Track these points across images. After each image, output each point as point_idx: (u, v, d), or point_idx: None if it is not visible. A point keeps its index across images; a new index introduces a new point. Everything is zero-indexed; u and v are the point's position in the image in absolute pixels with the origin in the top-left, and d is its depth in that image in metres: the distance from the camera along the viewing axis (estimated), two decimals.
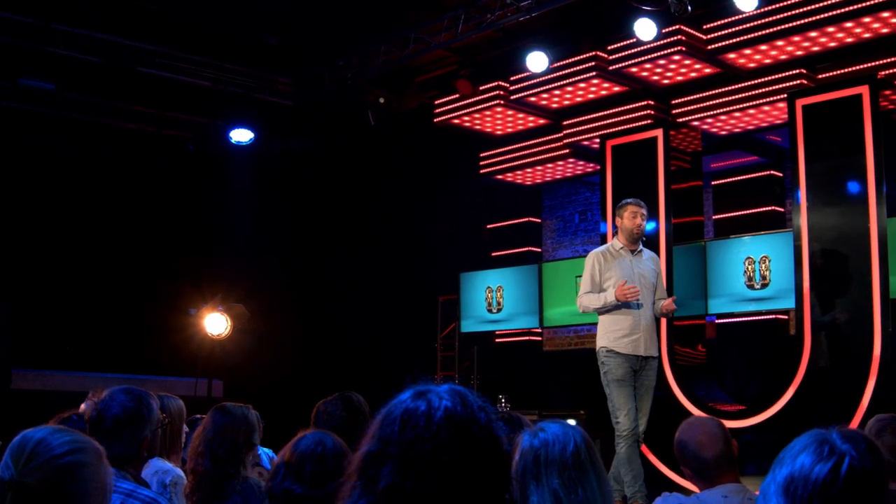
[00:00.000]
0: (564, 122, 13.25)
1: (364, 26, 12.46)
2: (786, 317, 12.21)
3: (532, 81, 12.55)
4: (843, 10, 9.97)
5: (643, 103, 12.30)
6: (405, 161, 15.30)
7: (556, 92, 12.60)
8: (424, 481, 1.91)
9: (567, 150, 13.49)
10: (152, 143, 14.32)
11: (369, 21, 12.32)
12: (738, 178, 13.16)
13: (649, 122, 12.12)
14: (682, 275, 11.31)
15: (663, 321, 8.53)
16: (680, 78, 11.90)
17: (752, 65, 11.30)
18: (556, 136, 13.51)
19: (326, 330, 15.01)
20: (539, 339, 15.14)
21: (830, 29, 10.25)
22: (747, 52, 10.97)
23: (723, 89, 11.61)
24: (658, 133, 11.56)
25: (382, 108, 13.48)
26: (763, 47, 10.81)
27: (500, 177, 14.69)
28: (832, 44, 10.60)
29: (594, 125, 12.82)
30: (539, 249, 15.74)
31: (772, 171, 12.96)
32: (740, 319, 11.95)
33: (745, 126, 12.12)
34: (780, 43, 10.68)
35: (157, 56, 12.63)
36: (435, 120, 13.71)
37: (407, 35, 12.34)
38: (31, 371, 13.10)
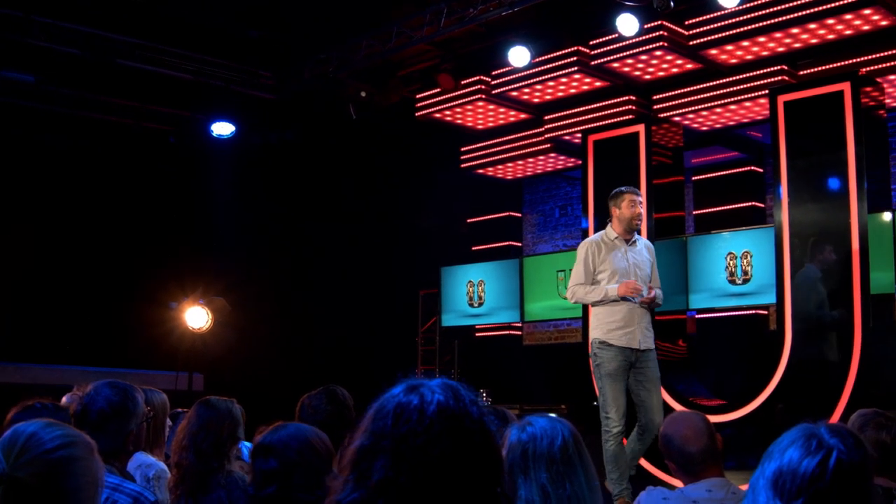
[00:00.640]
0: (546, 117, 13.28)
1: (346, 20, 12.44)
2: (765, 312, 12.27)
3: (514, 76, 12.57)
4: (824, 7, 10.00)
5: (625, 98, 12.33)
6: (386, 155, 15.29)
7: (538, 87, 12.62)
8: (417, 475, 1.91)
9: (548, 145, 13.51)
10: (133, 136, 14.26)
11: (351, 15, 12.30)
12: (719, 173, 13.21)
13: (631, 117, 12.15)
14: (663, 270, 11.25)
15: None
16: (661, 73, 11.93)
17: (733, 61, 11.33)
18: (538, 130, 13.53)
19: (307, 323, 15.00)
20: (519, 333, 15.16)
21: (812, 25, 10.29)
22: (729, 48, 11.00)
23: (704, 85, 11.65)
24: (640, 128, 11.59)
25: (364, 102, 13.46)
26: (745, 43, 10.85)
27: (481, 171, 14.71)
28: (813, 40, 10.64)
29: (575, 120, 12.84)
30: (519, 244, 15.77)
31: (752, 167, 13.02)
32: (721, 315, 12.00)
33: (726, 122, 12.17)
34: (761, 39, 10.71)
35: (137, 49, 12.59)
36: (416, 114, 13.71)
37: (389, 29, 12.34)
38: (11, 364, 13.04)
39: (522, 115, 13.65)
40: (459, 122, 13.99)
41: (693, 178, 13.37)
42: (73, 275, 13.55)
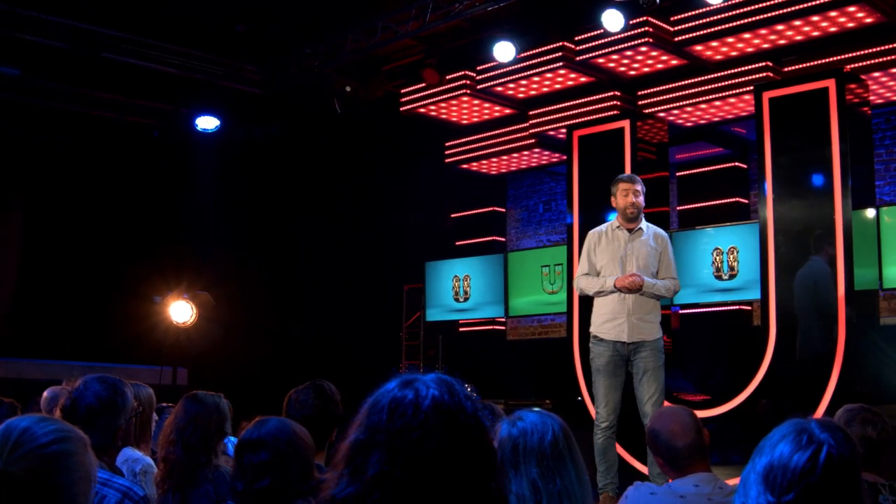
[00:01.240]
0: (530, 112, 13.28)
1: (332, 15, 12.42)
2: (749, 308, 12.32)
3: (499, 71, 12.56)
4: (809, 4, 10.03)
5: (609, 94, 12.35)
6: (371, 150, 15.29)
7: (523, 82, 12.62)
8: (412, 469, 1.92)
9: (533, 140, 13.51)
10: (117, 130, 14.21)
11: (337, 10, 12.29)
12: (703, 169, 13.24)
13: (615, 112, 12.16)
14: None
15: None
16: (646, 69, 11.95)
17: (718, 57, 11.36)
18: (522, 125, 13.53)
19: (292, 318, 15.00)
20: (503, 328, 15.18)
21: (797, 22, 10.32)
22: (714, 44, 11.02)
23: (689, 81, 11.67)
24: (625, 124, 11.59)
25: (349, 97, 13.44)
26: (730, 40, 10.87)
27: (465, 166, 14.71)
28: (798, 37, 10.68)
29: (560, 115, 12.85)
30: (503, 239, 15.77)
31: (736, 163, 13.06)
32: (704, 310, 12.04)
33: (710, 118, 12.19)
34: (746, 36, 10.74)
35: (123, 42, 12.55)
36: (401, 109, 13.69)
37: (375, 24, 12.33)
38: None
39: (507, 111, 13.66)
40: (444, 117, 13.99)
41: (677, 174, 13.40)
42: (57, 269, 13.51)
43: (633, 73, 12.06)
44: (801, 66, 10.92)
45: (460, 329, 15.06)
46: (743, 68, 11.21)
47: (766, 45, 10.94)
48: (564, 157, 13.04)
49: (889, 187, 11.89)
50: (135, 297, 13.15)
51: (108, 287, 13.32)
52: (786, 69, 11.04)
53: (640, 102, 12.12)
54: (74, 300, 13.39)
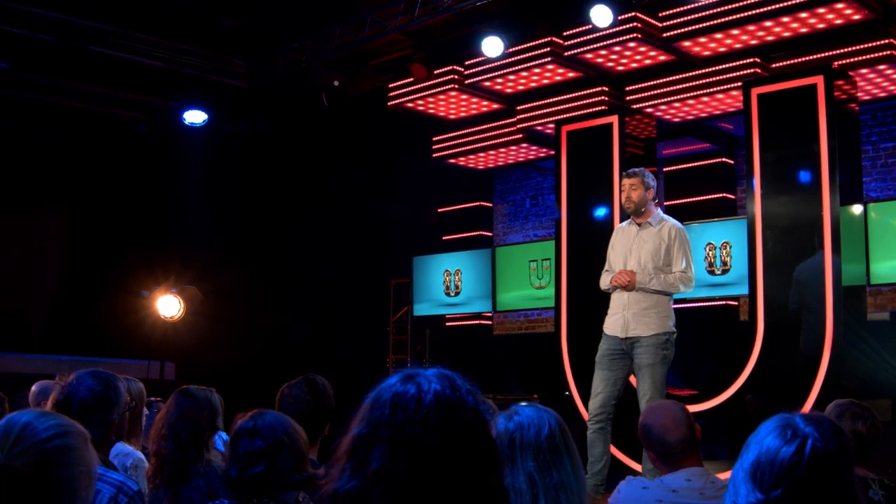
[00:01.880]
0: (518, 107, 13.29)
1: (320, 9, 12.40)
2: (735, 303, 12.36)
3: (487, 66, 12.57)
4: (797, 1, 10.06)
5: (597, 89, 12.36)
6: (358, 144, 15.27)
7: (511, 77, 12.63)
8: (415, 463, 1.92)
9: (520, 135, 13.52)
10: (104, 124, 14.17)
11: (325, 4, 12.28)
12: (690, 164, 13.27)
13: (603, 108, 12.18)
14: None
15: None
16: (635, 65, 11.96)
17: (706, 53, 11.38)
18: (510, 120, 13.53)
19: (279, 312, 14.99)
20: (489, 322, 15.20)
21: (785, 19, 10.35)
22: (702, 40, 11.04)
23: (677, 77, 11.69)
24: (613, 119, 11.62)
25: (336, 92, 13.43)
26: (718, 36, 10.89)
27: (452, 161, 14.69)
28: (786, 34, 10.71)
29: (548, 111, 12.86)
30: (490, 234, 15.79)
31: (723, 159, 13.10)
32: (691, 305, 12.06)
33: (698, 113, 12.22)
34: (734, 32, 10.76)
35: (110, 36, 12.51)
36: (389, 104, 13.68)
37: (363, 18, 12.32)
38: None
39: (495, 105, 13.65)
40: (432, 111, 13.99)
41: (664, 170, 13.43)
42: (44, 263, 13.47)
43: (620, 68, 12.08)
44: (788, 62, 10.95)
45: (447, 324, 15.07)
46: (731, 64, 11.23)
47: (754, 42, 10.97)
48: (552, 152, 13.09)
49: (876, 184, 11.95)
50: (122, 292, 13.10)
51: (96, 281, 13.28)
52: (773, 65, 11.07)
53: (627, 98, 12.14)
54: (61, 294, 13.35)
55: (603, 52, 11.61)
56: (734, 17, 10.51)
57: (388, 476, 1.93)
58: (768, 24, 10.50)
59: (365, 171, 15.39)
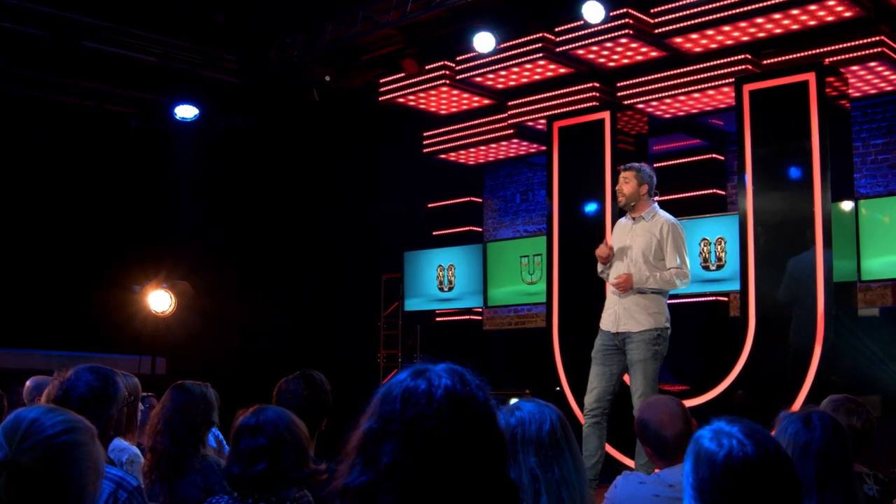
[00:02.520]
0: (509, 103, 13.29)
1: (312, 4, 12.40)
2: (726, 298, 12.39)
3: (478, 62, 12.57)
4: None
5: (588, 85, 12.37)
6: (349, 139, 15.27)
7: (502, 72, 12.63)
8: (426, 457, 1.94)
9: (511, 131, 13.52)
10: (95, 119, 14.14)
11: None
12: (680, 160, 13.28)
13: (594, 104, 12.19)
14: None
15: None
16: (626, 61, 11.97)
17: (698, 49, 11.39)
18: (501, 116, 13.54)
19: (271, 307, 14.97)
20: (479, 318, 15.22)
21: (777, 15, 10.38)
22: (694, 36, 11.05)
23: (668, 73, 11.71)
24: (605, 115, 11.65)
25: (327, 86, 13.42)
26: (709, 32, 10.90)
27: (443, 156, 14.70)
28: (778, 30, 10.73)
29: (539, 106, 12.87)
30: (480, 229, 15.79)
31: (713, 155, 13.12)
32: (682, 301, 12.09)
33: (689, 110, 12.24)
34: (726, 28, 10.77)
35: (102, 31, 12.48)
36: (380, 99, 13.68)
37: (355, 13, 12.31)
38: None
39: (486, 101, 13.66)
40: (423, 107, 13.98)
41: (654, 165, 13.41)
42: (35, 258, 13.43)
43: (612, 64, 12.08)
44: (779, 59, 10.97)
45: (437, 319, 15.08)
46: (722, 61, 11.25)
47: (745, 38, 10.98)
48: (542, 148, 13.11)
49: (865, 180, 11.99)
50: (114, 287, 13.09)
51: (87, 276, 13.25)
52: (764, 62, 11.10)
53: (619, 94, 12.14)
54: (52, 289, 13.31)
55: (594, 48, 11.62)
56: (726, 13, 10.53)
57: (399, 470, 1.94)
58: (760, 20, 10.52)
59: (356, 166, 15.39)
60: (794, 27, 10.63)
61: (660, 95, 11.79)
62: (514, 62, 12.30)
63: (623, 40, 11.33)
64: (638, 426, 4.53)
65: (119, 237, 13.61)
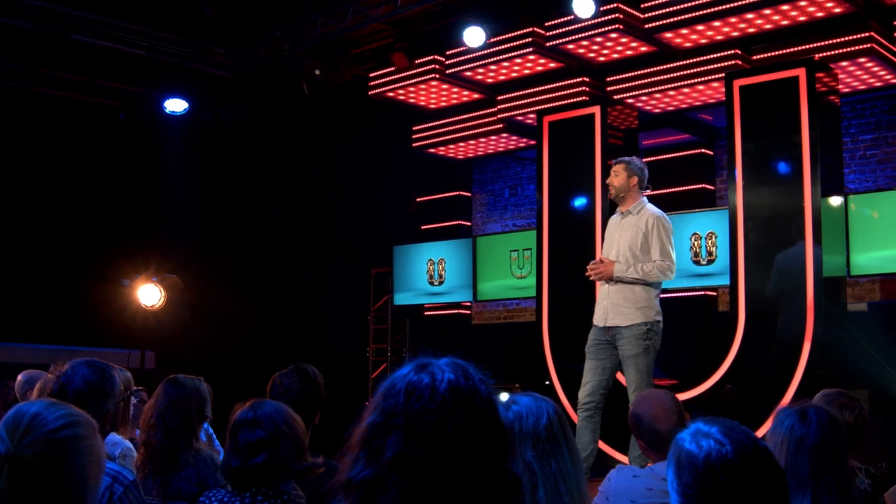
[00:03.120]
0: (499, 97, 13.30)
1: None
2: (714, 293, 12.42)
3: (468, 56, 12.57)
4: None
5: (578, 80, 12.38)
6: (338, 133, 15.26)
7: (492, 67, 12.64)
8: (431, 450, 1.95)
9: (501, 125, 13.53)
10: (84, 112, 14.09)
11: None
12: (669, 155, 13.30)
13: (584, 98, 12.20)
14: None
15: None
16: (616, 56, 11.99)
17: (688, 44, 11.41)
18: (491, 110, 13.54)
19: (260, 301, 14.95)
20: (468, 312, 15.23)
21: (767, 11, 10.41)
22: (684, 31, 11.07)
23: (658, 68, 11.72)
24: (596, 110, 11.64)
25: (317, 80, 13.41)
26: (699, 27, 10.92)
27: (432, 150, 14.69)
28: (768, 26, 10.76)
29: (529, 101, 12.88)
30: (469, 223, 15.80)
31: (702, 150, 13.14)
32: (672, 295, 12.12)
33: (678, 105, 12.25)
34: (716, 23, 10.79)
35: (92, 23, 12.44)
36: (370, 93, 13.68)
37: (346, 8, 12.31)
38: None
39: (476, 95, 13.67)
40: (412, 101, 13.98)
41: (644, 160, 13.43)
42: (23, 251, 13.39)
43: (602, 59, 12.10)
44: (768, 54, 10.99)
45: (426, 313, 15.09)
46: (712, 56, 11.27)
47: (735, 34, 11.01)
48: (532, 142, 13.14)
49: (854, 175, 12.03)
50: (103, 280, 13.04)
51: (76, 270, 13.20)
52: (754, 58, 11.12)
53: (608, 89, 12.16)
54: (41, 283, 13.28)
55: (585, 43, 11.63)
56: (716, 8, 10.55)
57: (403, 463, 1.95)
58: (750, 16, 10.55)
59: (345, 161, 15.37)
60: (784, 23, 10.66)
61: (649, 90, 11.80)
62: (504, 57, 12.31)
63: (613, 35, 11.35)
64: (632, 420, 4.56)
65: (108, 231, 13.58)
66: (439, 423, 1.97)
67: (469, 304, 14.81)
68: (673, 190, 12.88)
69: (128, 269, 13.06)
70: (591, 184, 11.40)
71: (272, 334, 14.65)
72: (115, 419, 4.36)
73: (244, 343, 14.08)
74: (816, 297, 9.45)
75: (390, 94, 13.62)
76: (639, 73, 11.88)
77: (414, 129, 14.59)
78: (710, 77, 11.28)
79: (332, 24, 12.61)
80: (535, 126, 12.39)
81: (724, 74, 10.87)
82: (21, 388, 6.47)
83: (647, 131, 12.79)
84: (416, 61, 12.90)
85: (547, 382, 11.27)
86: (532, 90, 12.87)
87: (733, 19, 10.65)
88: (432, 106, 14.16)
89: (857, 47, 10.38)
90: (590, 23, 11.22)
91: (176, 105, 13.75)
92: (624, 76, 12.02)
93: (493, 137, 14.00)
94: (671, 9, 10.88)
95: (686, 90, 11.70)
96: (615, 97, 12.04)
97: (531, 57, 12.25)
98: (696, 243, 11.48)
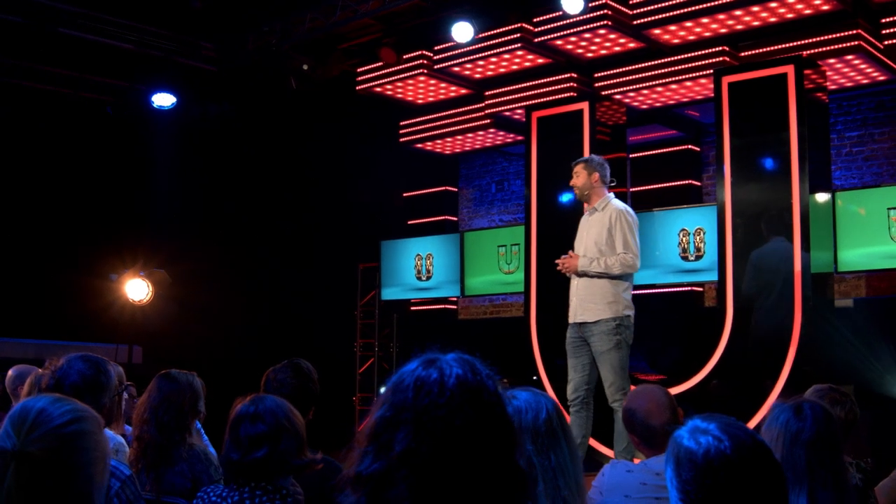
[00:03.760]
0: (487, 93, 13.30)
1: None
2: (700, 289, 12.46)
3: (456, 51, 12.57)
4: None
5: (566, 76, 12.40)
6: (326, 128, 15.25)
7: (480, 62, 12.64)
8: (440, 445, 1.96)
9: (488, 121, 13.53)
10: (71, 106, 14.06)
11: None
12: (656, 151, 13.34)
13: (572, 94, 12.22)
14: None
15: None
16: (604, 52, 12.01)
17: (676, 41, 11.43)
18: (478, 106, 13.55)
19: (247, 296, 14.94)
20: (455, 307, 15.24)
21: (755, 8, 10.44)
22: (672, 28, 11.09)
23: (646, 64, 11.74)
24: (584, 106, 11.65)
25: (305, 75, 13.41)
26: (688, 24, 10.94)
27: (419, 145, 14.69)
28: (756, 23, 10.79)
29: (517, 96, 12.89)
30: (455, 218, 15.81)
31: (689, 146, 13.17)
32: (658, 291, 12.16)
33: (666, 101, 12.28)
34: (704, 20, 10.82)
35: (79, 17, 12.40)
36: (357, 88, 13.66)
37: (334, 3, 12.29)
38: None
39: (463, 91, 13.66)
40: (400, 96, 13.97)
41: (630, 156, 13.48)
42: (10, 246, 13.35)
43: (590, 55, 12.12)
44: (756, 51, 11.03)
45: (412, 309, 15.09)
46: (700, 52, 11.29)
47: (723, 31, 11.04)
48: (519, 138, 13.15)
49: (840, 171, 12.08)
50: (90, 275, 13.02)
51: (64, 265, 13.18)
52: (742, 54, 11.16)
53: (596, 85, 12.18)
54: (28, 278, 13.24)
55: (573, 39, 11.64)
56: (704, 5, 10.57)
57: (412, 458, 1.96)
58: (738, 13, 10.58)
59: (332, 155, 15.36)
60: (773, 20, 10.70)
61: (637, 86, 11.82)
62: (492, 52, 12.32)
63: (601, 31, 11.36)
64: (625, 415, 4.58)
65: (96, 226, 13.55)
66: (448, 417, 1.98)
67: (455, 299, 14.81)
68: (660, 186, 12.94)
69: (115, 264, 13.04)
70: None
71: (259, 329, 14.65)
72: (110, 413, 4.36)
73: (231, 338, 14.07)
74: (804, 294, 9.49)
75: (378, 89, 13.61)
76: (627, 69, 11.90)
77: (401, 123, 14.57)
78: (698, 74, 11.31)
79: (320, 18, 12.60)
80: (523, 122, 12.40)
81: (712, 71, 10.90)
82: (12, 384, 6.46)
83: (635, 127, 12.81)
84: (404, 56, 12.90)
85: (535, 377, 11.28)
86: (520, 86, 12.88)
87: (721, 16, 10.68)
88: (420, 101, 14.15)
89: (844, 45, 10.42)
90: (578, 19, 11.23)
91: (163, 99, 13.74)
92: (612, 72, 12.04)
93: (481, 133, 13.99)
94: (659, 5, 10.90)
95: (674, 86, 11.73)
96: (603, 93, 12.06)
97: (519, 52, 12.26)
98: (684, 239, 11.51)
